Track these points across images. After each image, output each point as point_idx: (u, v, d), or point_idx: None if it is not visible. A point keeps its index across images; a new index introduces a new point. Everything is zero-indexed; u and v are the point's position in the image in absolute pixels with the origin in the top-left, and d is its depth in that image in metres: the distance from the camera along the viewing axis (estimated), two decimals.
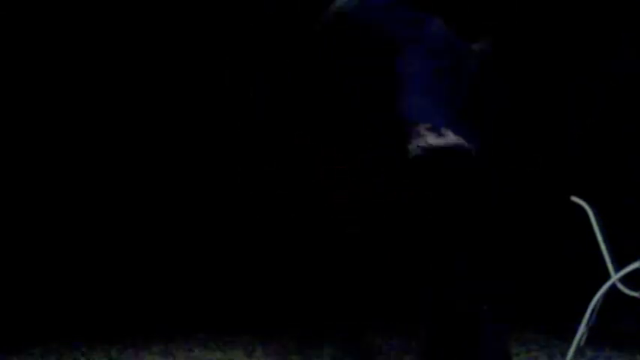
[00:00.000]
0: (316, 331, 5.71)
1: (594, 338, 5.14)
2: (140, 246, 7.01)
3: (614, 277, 4.69)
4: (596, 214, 4.81)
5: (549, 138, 7.16)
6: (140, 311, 6.34)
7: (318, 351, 5.23)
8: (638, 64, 6.93)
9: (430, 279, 4.02)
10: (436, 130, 3.89)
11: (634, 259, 4.69)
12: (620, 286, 4.70)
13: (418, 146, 3.90)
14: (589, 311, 4.78)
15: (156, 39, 7.00)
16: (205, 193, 7.10)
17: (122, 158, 7.08)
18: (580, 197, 4.84)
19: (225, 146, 7.07)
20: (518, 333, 5.64)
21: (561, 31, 7.07)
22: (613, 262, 4.74)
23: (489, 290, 3.96)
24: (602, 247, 4.74)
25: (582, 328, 4.82)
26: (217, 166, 7.08)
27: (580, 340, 4.86)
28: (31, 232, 6.89)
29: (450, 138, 3.88)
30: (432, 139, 3.85)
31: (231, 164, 7.07)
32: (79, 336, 5.59)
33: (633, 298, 4.71)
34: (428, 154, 3.91)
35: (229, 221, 7.12)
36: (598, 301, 4.80)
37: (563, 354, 4.91)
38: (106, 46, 6.99)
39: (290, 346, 5.34)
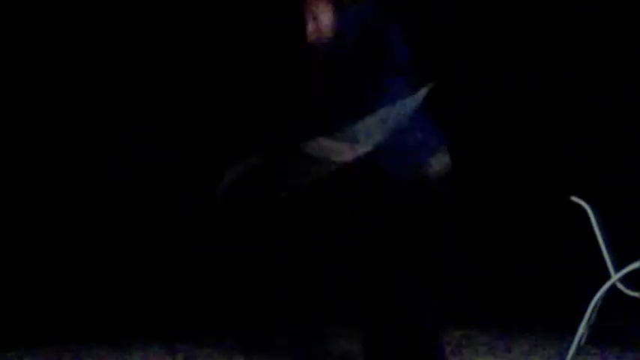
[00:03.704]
0: (312, 333, 5.71)
1: (594, 338, 5.14)
2: (137, 247, 7.02)
3: (614, 277, 4.69)
4: (596, 214, 4.81)
5: (549, 138, 7.17)
6: (140, 311, 6.34)
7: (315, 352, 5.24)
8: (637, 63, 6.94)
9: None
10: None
11: (634, 259, 4.69)
12: (620, 286, 4.70)
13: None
14: (589, 311, 4.79)
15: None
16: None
17: (121, 158, 7.09)
18: (580, 197, 4.84)
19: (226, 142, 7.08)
20: (517, 333, 5.64)
21: (561, 30, 7.07)
22: (613, 262, 4.74)
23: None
24: (602, 247, 4.74)
25: (582, 328, 4.82)
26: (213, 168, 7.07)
27: (580, 340, 4.86)
28: (31, 232, 6.89)
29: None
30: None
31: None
32: (77, 337, 5.59)
33: (633, 298, 4.71)
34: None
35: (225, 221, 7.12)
36: (598, 301, 4.81)
37: (563, 354, 4.91)
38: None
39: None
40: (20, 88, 6.91)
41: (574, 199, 4.85)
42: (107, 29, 7.00)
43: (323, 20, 3.71)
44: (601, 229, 4.79)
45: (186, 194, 7.03)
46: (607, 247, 4.75)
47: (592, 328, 5.04)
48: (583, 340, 4.98)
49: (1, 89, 6.85)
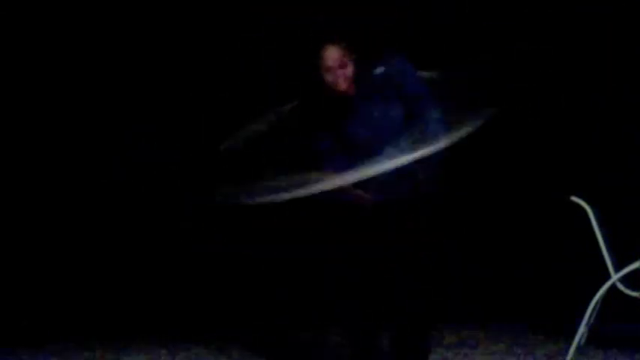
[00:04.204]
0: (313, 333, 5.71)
1: (594, 338, 5.14)
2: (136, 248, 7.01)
3: (614, 277, 4.69)
4: (596, 214, 4.81)
5: (549, 138, 7.17)
6: (140, 311, 6.34)
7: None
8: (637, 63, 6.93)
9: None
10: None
11: (634, 259, 4.69)
12: (620, 286, 4.70)
13: None
14: (589, 311, 4.78)
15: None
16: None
17: (122, 158, 7.09)
18: (580, 197, 4.84)
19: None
20: (517, 333, 5.64)
21: (561, 30, 7.07)
22: (613, 262, 4.74)
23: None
24: (602, 247, 4.74)
25: (582, 328, 4.82)
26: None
27: (580, 340, 4.86)
28: (31, 232, 6.89)
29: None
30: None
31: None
32: (77, 337, 5.59)
33: (633, 298, 4.71)
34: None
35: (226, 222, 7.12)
36: (598, 301, 4.81)
37: (563, 354, 4.91)
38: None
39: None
40: (20, 88, 6.91)
41: (574, 199, 4.84)
42: (107, 29, 7.00)
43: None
44: (601, 229, 4.78)
45: (186, 194, 7.03)
46: (607, 247, 4.75)
47: (592, 328, 5.04)
48: (583, 340, 4.98)
49: (1, 89, 6.85)
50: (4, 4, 6.70)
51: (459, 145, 4.03)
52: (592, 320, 4.93)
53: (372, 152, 4.11)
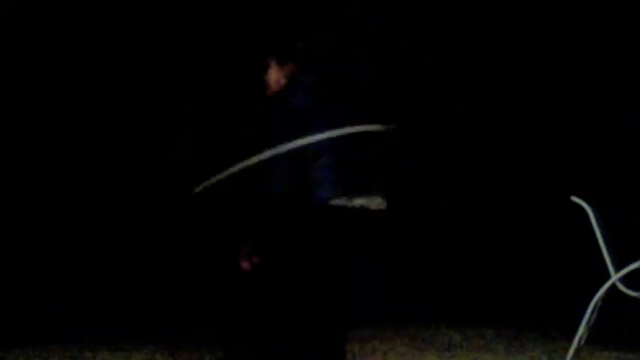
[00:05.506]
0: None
1: (594, 338, 5.14)
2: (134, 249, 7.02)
3: (614, 277, 4.69)
4: (596, 214, 4.81)
5: (549, 138, 7.18)
6: (139, 312, 6.34)
7: None
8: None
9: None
10: None
11: (634, 259, 4.69)
12: (620, 286, 4.70)
13: None
14: (589, 311, 4.79)
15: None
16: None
17: (122, 157, 7.09)
18: (580, 197, 4.84)
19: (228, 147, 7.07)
20: (517, 333, 5.64)
21: (560, 30, 7.08)
22: (613, 262, 4.74)
23: None
24: (602, 247, 4.74)
25: (582, 328, 4.82)
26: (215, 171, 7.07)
27: (580, 340, 4.86)
28: (31, 232, 6.89)
29: None
30: None
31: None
32: (77, 338, 5.60)
33: (633, 298, 4.71)
34: None
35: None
36: (598, 301, 4.81)
37: (563, 354, 4.91)
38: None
39: None
40: (20, 89, 6.92)
41: (574, 199, 4.85)
42: (106, 30, 7.01)
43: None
44: (601, 229, 4.79)
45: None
46: (607, 247, 4.75)
47: (592, 328, 5.04)
48: (583, 340, 4.98)
49: (2, 90, 6.86)
50: (4, 4, 6.71)
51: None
52: (592, 320, 4.94)
53: None
